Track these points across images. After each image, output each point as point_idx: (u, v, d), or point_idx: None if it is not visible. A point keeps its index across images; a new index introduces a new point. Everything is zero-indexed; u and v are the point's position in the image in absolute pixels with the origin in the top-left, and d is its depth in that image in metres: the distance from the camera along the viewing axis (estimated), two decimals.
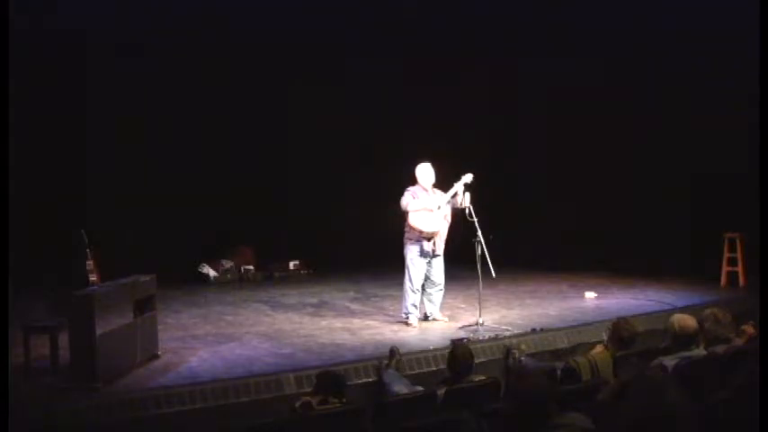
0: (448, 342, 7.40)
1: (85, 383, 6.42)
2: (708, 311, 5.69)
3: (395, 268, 9.29)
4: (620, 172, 12.11)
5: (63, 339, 6.91)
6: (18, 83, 7.81)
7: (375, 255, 11.95)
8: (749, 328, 5.86)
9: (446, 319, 8.92)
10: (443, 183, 8.83)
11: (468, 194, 8.59)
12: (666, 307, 9.26)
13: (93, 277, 9.85)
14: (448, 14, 13.01)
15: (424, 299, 8.90)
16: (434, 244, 8.68)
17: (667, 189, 11.62)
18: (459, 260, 9.20)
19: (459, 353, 5.74)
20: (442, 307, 9.07)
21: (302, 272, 13.01)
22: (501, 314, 9.16)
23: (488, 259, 8.42)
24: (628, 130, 11.96)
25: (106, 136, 11.86)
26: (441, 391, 5.24)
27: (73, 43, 11.58)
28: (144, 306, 7.57)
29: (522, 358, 7.06)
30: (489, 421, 4.10)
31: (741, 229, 10.50)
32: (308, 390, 5.70)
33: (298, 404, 5.03)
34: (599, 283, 11.02)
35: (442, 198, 8.68)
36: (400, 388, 6.08)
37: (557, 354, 7.63)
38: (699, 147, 11.07)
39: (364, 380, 6.85)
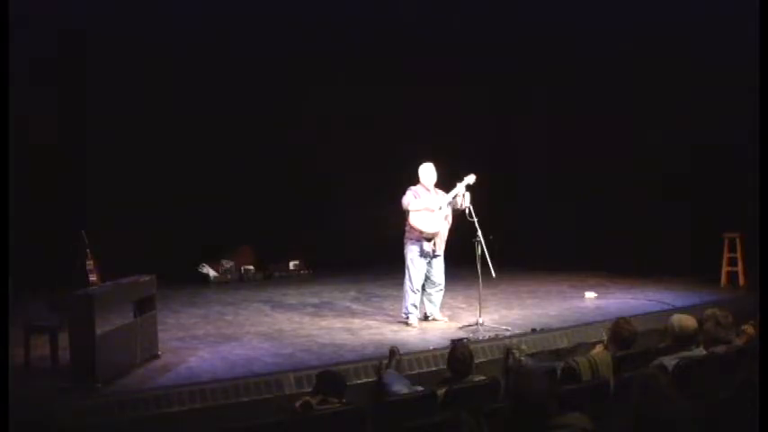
0: (448, 342, 7.39)
1: (85, 383, 6.41)
2: (708, 312, 5.70)
3: (395, 268, 9.29)
4: (620, 172, 12.12)
5: (63, 339, 6.90)
6: (18, 82, 7.82)
7: (375, 255, 11.95)
8: (749, 329, 5.87)
9: (446, 319, 8.92)
10: (443, 183, 8.83)
11: (468, 195, 8.58)
12: (666, 307, 9.26)
13: (93, 277, 9.90)
14: (448, 14, 13.01)
15: (424, 299, 8.89)
16: (435, 244, 8.67)
17: (667, 189, 11.62)
18: (460, 260, 9.20)
19: (459, 353, 5.74)
20: (442, 307, 9.07)
21: (302, 272, 13.02)
22: (501, 314, 9.16)
23: (488, 259, 8.42)
24: (627, 129, 11.97)
25: (106, 135, 11.86)
26: (441, 391, 5.24)
27: (73, 43, 11.58)
28: (144, 306, 7.56)
29: (522, 358, 7.06)
30: (489, 421, 4.10)
31: (741, 229, 10.50)
32: (308, 390, 5.70)
33: (298, 404, 5.03)
34: (599, 283, 11.02)
35: (444, 198, 8.67)
36: (400, 388, 6.07)
37: (557, 354, 7.61)
38: (699, 147, 11.08)
39: (364, 380, 6.83)
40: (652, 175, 11.86)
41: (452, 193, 8.64)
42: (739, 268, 10.69)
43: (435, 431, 4.13)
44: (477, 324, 8.34)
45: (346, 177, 13.20)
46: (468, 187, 8.61)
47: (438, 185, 8.79)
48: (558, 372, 5.48)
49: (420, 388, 5.97)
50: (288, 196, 12.99)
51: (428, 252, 8.65)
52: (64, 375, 6.70)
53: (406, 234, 8.75)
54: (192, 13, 12.04)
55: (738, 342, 5.67)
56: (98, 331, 6.60)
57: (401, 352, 7.12)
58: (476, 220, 8.48)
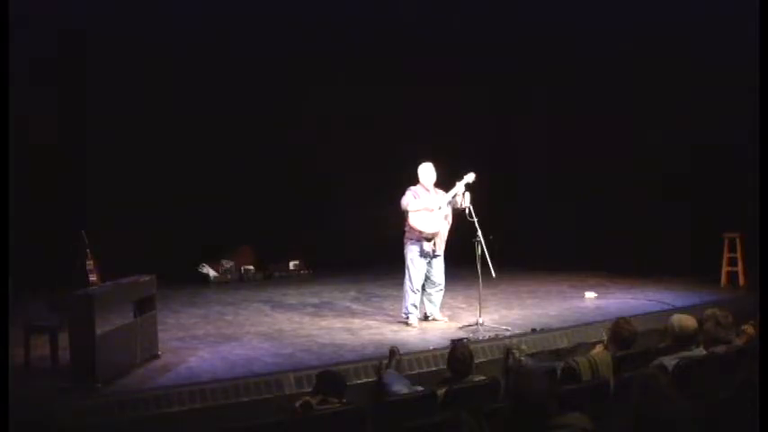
0: (448, 342, 7.39)
1: (85, 383, 6.41)
2: (709, 312, 5.70)
3: (395, 268, 9.29)
4: (620, 172, 12.12)
5: (63, 339, 6.90)
6: (18, 82, 7.82)
7: (375, 255, 11.95)
8: (749, 329, 5.87)
9: (446, 319, 8.92)
10: (443, 183, 8.83)
11: (468, 194, 8.58)
12: (666, 307, 9.26)
13: (93, 277, 9.90)
14: (448, 14, 13.01)
15: (424, 299, 8.89)
16: (434, 244, 8.66)
17: (667, 189, 11.62)
18: (460, 260, 9.20)
19: (459, 353, 5.74)
20: (442, 307, 9.07)
21: (302, 272, 13.02)
22: (501, 314, 9.16)
23: (488, 259, 8.42)
24: (628, 129, 11.97)
25: (106, 135, 11.86)
26: (441, 391, 5.24)
27: (73, 43, 11.58)
28: (144, 306, 7.56)
29: (522, 358, 7.06)
30: (489, 421, 4.10)
31: (741, 229, 10.50)
32: (308, 390, 5.70)
33: (298, 404, 5.03)
34: (599, 283, 11.02)
35: (444, 198, 8.67)
36: (400, 388, 6.07)
37: (557, 354, 7.61)
38: (699, 147, 11.08)
39: (364, 380, 6.83)
40: (652, 175, 11.86)
41: (452, 192, 8.63)
42: (739, 268, 10.68)
43: (435, 431, 4.13)
44: (477, 324, 8.34)
45: (346, 177, 13.19)
46: (468, 186, 8.60)
47: (438, 185, 8.78)
48: (558, 372, 5.48)
49: (420, 388, 5.97)
50: (288, 196, 12.99)
51: (428, 252, 8.65)
52: (64, 375, 6.69)
53: (406, 234, 8.74)
54: (192, 13, 12.03)
55: (738, 342, 5.66)
56: (98, 331, 6.60)
57: (401, 352, 7.12)
58: (476, 220, 8.48)
